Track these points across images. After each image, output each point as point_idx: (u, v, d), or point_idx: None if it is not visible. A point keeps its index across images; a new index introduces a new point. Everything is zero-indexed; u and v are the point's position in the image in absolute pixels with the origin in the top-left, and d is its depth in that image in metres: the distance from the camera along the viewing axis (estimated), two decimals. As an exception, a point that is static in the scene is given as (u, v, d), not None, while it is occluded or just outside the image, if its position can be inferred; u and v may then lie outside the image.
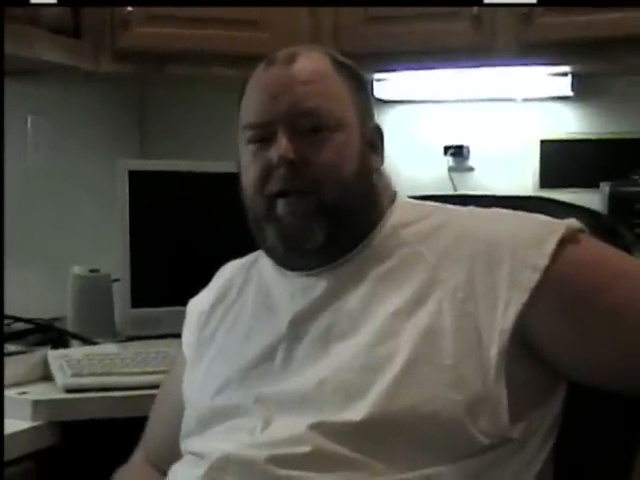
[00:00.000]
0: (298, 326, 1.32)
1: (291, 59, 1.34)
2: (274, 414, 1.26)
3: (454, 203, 1.40)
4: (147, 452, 1.53)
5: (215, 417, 1.34)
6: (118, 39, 2.39)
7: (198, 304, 1.50)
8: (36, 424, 1.75)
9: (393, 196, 1.40)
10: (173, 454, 1.40)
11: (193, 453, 1.33)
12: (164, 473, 1.41)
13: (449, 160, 2.79)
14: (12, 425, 1.71)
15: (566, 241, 1.25)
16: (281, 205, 1.31)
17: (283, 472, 1.21)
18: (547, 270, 1.23)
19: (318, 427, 1.22)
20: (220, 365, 1.38)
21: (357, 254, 1.34)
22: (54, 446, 1.77)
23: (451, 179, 2.79)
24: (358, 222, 1.34)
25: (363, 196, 1.34)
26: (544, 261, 1.23)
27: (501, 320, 1.22)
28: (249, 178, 1.34)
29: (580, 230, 1.28)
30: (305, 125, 1.31)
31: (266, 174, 1.32)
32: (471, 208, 1.39)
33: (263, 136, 1.33)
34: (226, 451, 1.26)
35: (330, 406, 1.23)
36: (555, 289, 1.23)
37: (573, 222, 1.28)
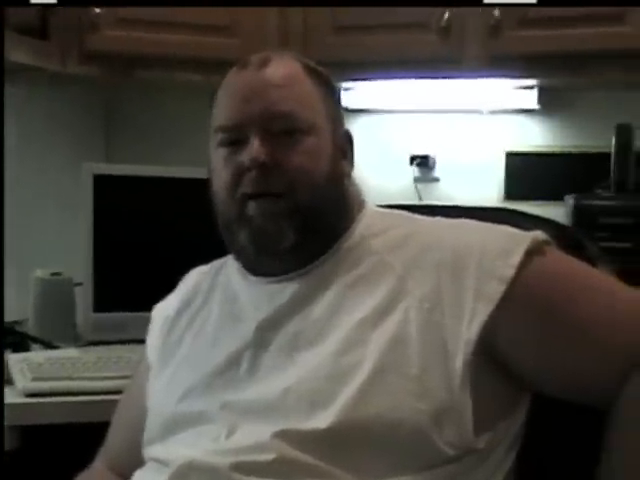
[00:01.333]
0: (264, 333, 1.31)
1: (264, 63, 1.34)
2: (239, 421, 1.26)
3: (421, 213, 1.41)
4: (108, 457, 1.52)
5: (179, 424, 1.33)
6: (86, 41, 2.39)
7: (163, 310, 1.50)
8: (-4, 427, 1.73)
9: (362, 204, 1.41)
10: (134, 460, 1.39)
11: (156, 460, 1.32)
12: (125, 479, 1.40)
13: (415, 170, 2.81)
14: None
15: (532, 253, 1.25)
16: (252, 207, 1.31)
17: (246, 479, 1.21)
18: (513, 281, 1.23)
19: (283, 435, 1.21)
20: (185, 371, 1.37)
21: (325, 261, 1.34)
22: (14, 450, 1.75)
23: (417, 189, 2.80)
24: (329, 226, 1.34)
25: (334, 200, 1.34)
26: (510, 272, 1.23)
27: (467, 331, 1.22)
28: (221, 181, 1.34)
29: (546, 242, 1.29)
30: (278, 128, 1.31)
31: (238, 177, 1.32)
32: (438, 218, 1.39)
33: (235, 139, 1.33)
34: (189, 457, 1.25)
35: (295, 414, 1.23)
36: (520, 300, 1.23)
37: (539, 234, 1.29)
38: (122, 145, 2.95)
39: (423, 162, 2.79)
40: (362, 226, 1.37)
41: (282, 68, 1.35)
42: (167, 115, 2.90)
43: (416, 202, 2.72)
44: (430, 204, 1.64)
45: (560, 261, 1.29)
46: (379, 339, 1.23)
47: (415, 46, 2.40)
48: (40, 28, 2.35)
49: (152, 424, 1.38)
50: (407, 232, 1.34)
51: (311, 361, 1.26)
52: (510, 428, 1.27)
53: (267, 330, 1.32)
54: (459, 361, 1.21)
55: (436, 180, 2.81)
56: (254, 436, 1.23)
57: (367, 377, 1.21)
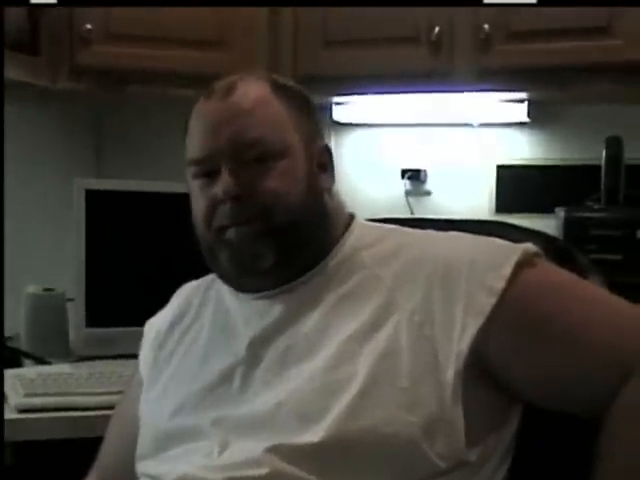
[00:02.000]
0: (255, 350, 1.32)
1: (229, 90, 1.33)
2: (231, 437, 1.26)
3: (412, 226, 1.41)
4: (101, 472, 1.53)
5: (171, 439, 1.33)
6: (76, 57, 2.40)
7: (155, 324, 1.50)
8: (-10, 444, 1.74)
9: (349, 218, 1.41)
10: (127, 475, 1.40)
11: (148, 476, 1.33)
12: None
13: (406, 183, 2.82)
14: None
15: (523, 265, 1.26)
16: (231, 233, 1.32)
17: None
18: (503, 293, 1.23)
19: (275, 450, 1.22)
20: (177, 387, 1.38)
21: (314, 276, 1.35)
22: (7, 466, 1.75)
23: (408, 202, 2.82)
24: (311, 242, 1.34)
25: (314, 217, 1.34)
26: (500, 284, 1.24)
27: (457, 343, 1.22)
28: (198, 212, 1.35)
29: (536, 254, 1.30)
30: (249, 156, 1.31)
31: (212, 209, 1.32)
32: (429, 231, 1.40)
33: (207, 171, 1.33)
34: (182, 473, 1.25)
35: (287, 429, 1.23)
36: (511, 312, 1.24)
37: (530, 246, 1.29)
38: (113, 160, 2.96)
39: (414, 175, 2.81)
40: (352, 239, 1.37)
41: (248, 93, 1.33)
42: (158, 130, 2.90)
43: (407, 215, 2.74)
44: (421, 217, 1.65)
45: (550, 273, 1.30)
46: (370, 353, 1.24)
47: (406, 60, 2.42)
48: (30, 44, 2.36)
49: (144, 439, 1.39)
50: (397, 245, 1.35)
51: (302, 376, 1.26)
52: (501, 440, 1.28)
53: (258, 346, 1.32)
54: (450, 373, 1.21)
55: (427, 193, 2.82)
56: (246, 452, 1.23)
57: (358, 391, 1.22)
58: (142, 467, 1.36)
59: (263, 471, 1.21)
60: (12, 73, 2.27)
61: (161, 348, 1.46)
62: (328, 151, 1.41)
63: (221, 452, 1.25)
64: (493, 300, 1.23)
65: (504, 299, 1.23)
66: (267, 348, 1.31)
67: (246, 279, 1.36)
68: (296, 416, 1.23)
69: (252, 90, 1.34)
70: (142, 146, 2.94)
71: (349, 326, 1.27)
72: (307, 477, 1.20)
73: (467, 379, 1.22)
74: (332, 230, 1.37)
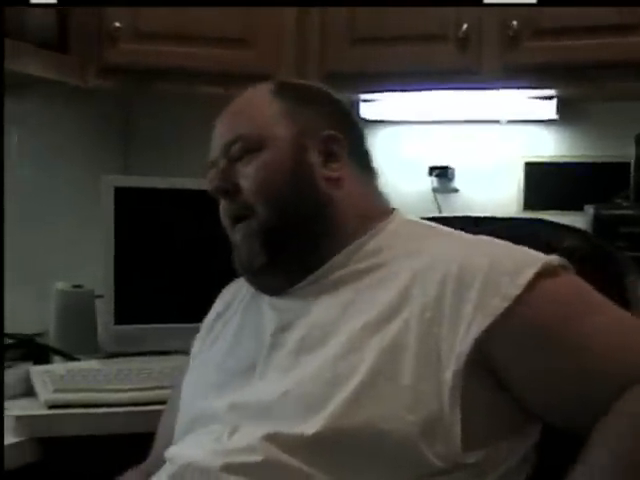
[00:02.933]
0: (276, 340, 1.35)
1: (236, 96, 1.43)
2: (241, 423, 1.29)
3: (456, 224, 1.42)
4: (150, 461, 1.55)
5: (195, 423, 1.37)
6: (105, 55, 2.42)
7: (209, 315, 1.55)
8: (18, 440, 1.75)
9: (384, 212, 1.42)
10: None
11: (168, 459, 1.35)
12: None
13: (434, 181, 2.82)
14: (-4, 440, 1.73)
15: (543, 275, 1.25)
16: (233, 232, 1.39)
17: (234, 479, 1.23)
18: (517, 300, 1.22)
19: (272, 438, 1.24)
20: (207, 374, 1.42)
21: (333, 267, 1.36)
22: (36, 462, 1.77)
23: (436, 199, 2.82)
24: (307, 236, 1.36)
25: (307, 208, 1.36)
26: (515, 291, 1.23)
27: (460, 344, 1.22)
28: None
29: (563, 266, 1.28)
30: (235, 154, 1.37)
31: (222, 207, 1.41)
32: (458, 233, 1.40)
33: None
34: (189, 459, 1.29)
35: (289, 418, 1.25)
36: (521, 319, 1.23)
37: (555, 258, 1.28)
38: (141, 158, 2.98)
39: (442, 173, 2.81)
40: (381, 234, 1.38)
41: (244, 97, 1.43)
42: (185, 127, 2.91)
43: (435, 213, 2.74)
44: (465, 215, 1.64)
45: (571, 285, 1.28)
46: (377, 345, 1.25)
47: (433, 57, 2.42)
48: (59, 42, 2.38)
49: (179, 424, 1.42)
50: (421, 244, 1.35)
51: (311, 365, 1.28)
52: (515, 450, 1.27)
53: (278, 337, 1.35)
54: (449, 373, 1.21)
55: (455, 191, 2.82)
56: (247, 438, 1.26)
57: (359, 384, 1.22)
58: (167, 451, 1.38)
59: (258, 458, 1.23)
60: (41, 71, 2.29)
61: (205, 338, 1.51)
62: (336, 139, 1.40)
63: (229, 437, 1.28)
64: (505, 304, 1.22)
65: (516, 305, 1.22)
66: (286, 338, 1.34)
67: (250, 278, 1.41)
68: (299, 406, 1.25)
69: (248, 94, 1.43)
70: (169, 143, 2.95)
71: (362, 317, 1.29)
72: (301, 467, 1.22)
73: (467, 379, 1.21)
74: (342, 221, 1.37)
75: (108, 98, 2.80)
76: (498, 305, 1.22)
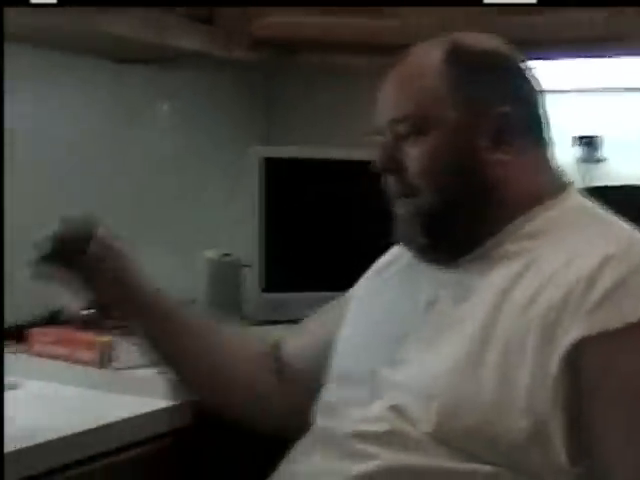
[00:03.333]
0: (427, 313, 1.35)
1: (399, 60, 1.37)
2: (378, 392, 1.31)
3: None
4: (287, 349, 1.59)
5: (340, 380, 1.40)
6: (251, 26, 2.44)
7: (375, 266, 1.55)
8: (172, 403, 1.78)
9: (558, 189, 1.38)
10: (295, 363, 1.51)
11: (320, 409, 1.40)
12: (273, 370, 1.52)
13: (579, 150, 2.77)
14: (149, 404, 1.76)
15: None
16: (396, 205, 1.38)
17: (360, 447, 1.25)
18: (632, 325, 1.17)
19: (399, 409, 1.25)
20: (361, 333, 1.43)
21: (494, 245, 1.34)
22: (185, 427, 1.80)
23: (579, 170, 2.76)
24: (469, 222, 1.34)
25: (471, 195, 1.34)
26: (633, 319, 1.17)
27: (560, 345, 1.20)
28: None
29: None
30: (401, 132, 1.33)
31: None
32: (611, 226, 1.34)
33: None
34: (322, 425, 1.33)
35: (421, 392, 1.26)
36: (630, 344, 1.18)
37: None
38: (283, 129, 3.00)
39: (588, 142, 2.75)
40: (539, 218, 1.35)
41: (411, 63, 1.36)
42: (329, 99, 2.92)
43: (580, 184, 2.69)
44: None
45: None
46: (501, 342, 1.24)
47: (581, 25, 2.37)
48: (206, 13, 2.42)
49: (331, 369, 1.44)
50: (572, 234, 1.31)
51: (451, 346, 1.28)
52: None
53: (429, 310, 1.35)
54: (552, 378, 1.19)
55: (601, 161, 2.76)
56: (380, 407, 1.28)
57: (485, 376, 1.22)
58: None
59: (385, 428, 1.24)
60: (188, 42, 2.33)
61: (368, 288, 1.51)
62: (510, 118, 1.35)
63: (365, 405, 1.30)
64: (621, 323, 1.17)
65: (634, 328, 1.17)
66: (435, 313, 1.34)
67: (409, 250, 1.40)
68: (427, 386, 1.26)
69: (416, 60, 1.36)
70: (313, 115, 2.97)
71: (497, 307, 1.27)
72: (425, 440, 1.23)
73: (570, 386, 1.19)
74: (507, 204, 1.34)
75: (253, 70, 2.82)
76: (615, 320, 1.18)
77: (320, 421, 1.37)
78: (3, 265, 1.04)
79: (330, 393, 1.41)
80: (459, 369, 1.24)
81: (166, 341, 1.57)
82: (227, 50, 2.44)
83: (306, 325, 1.61)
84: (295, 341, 1.60)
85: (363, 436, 1.26)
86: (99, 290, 1.51)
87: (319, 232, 2.25)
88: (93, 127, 2.42)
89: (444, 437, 1.22)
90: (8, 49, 2.13)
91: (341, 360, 1.43)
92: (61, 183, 2.31)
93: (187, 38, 2.31)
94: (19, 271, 2.00)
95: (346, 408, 1.32)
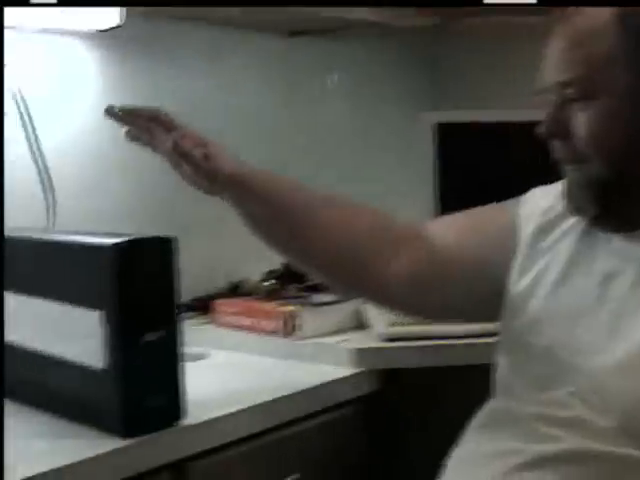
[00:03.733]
0: (605, 289, 1.29)
1: (567, 17, 1.28)
2: (557, 372, 1.26)
3: None
4: (430, 231, 1.50)
5: (515, 354, 1.35)
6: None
7: (540, 203, 1.45)
8: (357, 371, 1.81)
9: None
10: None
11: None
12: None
13: None
14: (333, 372, 1.79)
15: None
16: (565, 171, 1.31)
17: (545, 429, 1.22)
18: None
19: (582, 397, 1.22)
20: (532, 301, 1.36)
21: None
22: (373, 392, 1.82)
23: None
24: None
25: None
26: None
27: None
28: None
29: None
30: (568, 96, 1.26)
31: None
32: None
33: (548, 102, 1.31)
34: (503, 403, 1.29)
35: (603, 383, 1.22)
36: None
37: None
38: (451, 94, 2.96)
39: None
40: None
41: (582, 22, 1.26)
42: (495, 61, 2.87)
43: None
44: None
45: None
46: None
47: None
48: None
49: (504, 344, 1.40)
50: None
51: (632, 331, 1.23)
52: None
53: (608, 285, 1.29)
54: None
55: None
56: (560, 391, 1.24)
57: None
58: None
59: (567, 414, 1.21)
60: (356, 12, 2.33)
61: (537, 237, 1.40)
62: None
63: (543, 386, 1.26)
64: None
65: None
66: (614, 289, 1.28)
67: (584, 220, 1.34)
68: (608, 375, 1.22)
69: (586, 21, 1.27)
70: (478, 79, 2.92)
71: None
72: (608, 428, 1.19)
73: None
74: None
75: (419, 35, 2.80)
76: None
77: (499, 401, 1.34)
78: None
79: (506, 370, 1.37)
80: None
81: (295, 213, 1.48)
82: (394, 18, 2.43)
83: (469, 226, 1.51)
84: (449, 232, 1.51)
85: (547, 419, 1.23)
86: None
87: (493, 197, 2.21)
88: (265, 100, 2.45)
89: (631, 430, 1.18)
90: (183, 28, 2.19)
91: (517, 329, 1.38)
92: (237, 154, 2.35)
93: (357, 8, 2.31)
94: (200, 247, 2.06)
95: (526, 389, 1.29)
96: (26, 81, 1.90)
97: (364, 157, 2.70)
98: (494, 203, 1.52)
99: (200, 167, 1.42)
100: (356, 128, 2.68)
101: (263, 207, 1.46)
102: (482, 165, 2.22)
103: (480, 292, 1.44)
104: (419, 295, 1.47)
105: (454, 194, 2.22)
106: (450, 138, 2.20)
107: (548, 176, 1.37)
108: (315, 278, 1.69)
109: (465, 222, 1.51)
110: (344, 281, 1.52)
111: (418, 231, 1.50)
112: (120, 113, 1.45)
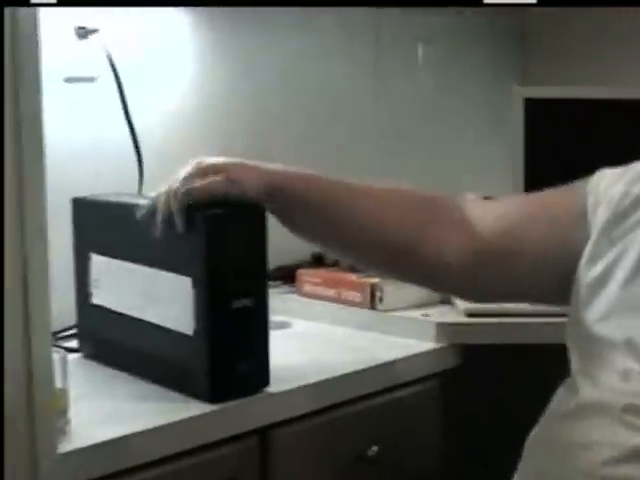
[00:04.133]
0: None
1: None
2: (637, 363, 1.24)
3: None
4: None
5: (595, 347, 1.30)
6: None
7: (612, 188, 1.40)
8: (439, 345, 1.81)
9: None
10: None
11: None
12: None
13: None
14: (417, 346, 1.79)
15: None
16: None
17: (637, 420, 1.19)
18: None
19: None
20: (610, 287, 1.32)
21: None
22: (456, 367, 1.82)
23: None
24: None
25: None
26: None
27: None
28: None
29: None
30: None
31: None
32: None
33: None
34: (590, 395, 1.26)
35: None
36: None
37: None
38: (540, 68, 2.93)
39: None
40: None
41: None
42: (582, 36, 2.83)
43: None
44: None
45: None
46: None
47: None
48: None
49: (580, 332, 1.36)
50: None
51: None
52: None
53: None
54: None
55: None
56: None
57: None
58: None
59: None
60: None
61: (611, 224, 1.36)
62: None
63: (627, 377, 1.24)
64: None
65: None
66: None
67: None
68: None
69: None
70: (566, 53, 2.88)
71: None
72: None
73: None
74: None
75: (505, 10, 2.77)
76: None
77: (584, 389, 1.31)
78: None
79: (583, 359, 1.35)
80: None
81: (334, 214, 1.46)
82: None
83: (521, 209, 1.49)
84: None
85: (637, 410, 1.22)
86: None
87: (581, 176, 2.18)
88: (353, 71, 2.45)
89: None
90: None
91: (589, 319, 1.35)
92: (317, 128, 2.37)
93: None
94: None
95: (609, 379, 1.27)
96: (118, 47, 1.91)
97: (448, 133, 2.68)
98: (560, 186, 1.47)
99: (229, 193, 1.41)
100: (441, 102, 2.66)
101: (299, 213, 1.46)
102: (572, 144, 2.18)
103: (546, 278, 1.42)
104: (476, 281, 1.46)
105: (541, 175, 2.18)
106: (538, 114, 2.16)
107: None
108: (367, 270, 1.70)
109: (529, 204, 1.49)
110: (397, 272, 1.53)
111: (474, 213, 1.48)
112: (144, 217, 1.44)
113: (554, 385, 1.39)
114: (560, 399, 1.34)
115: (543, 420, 1.34)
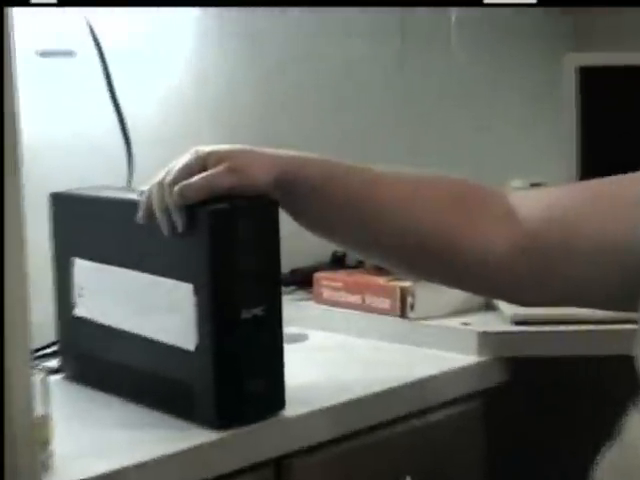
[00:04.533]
0: None
1: None
2: None
3: None
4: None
5: None
6: None
7: None
8: (482, 359, 1.80)
9: None
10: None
11: None
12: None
13: None
14: (455, 360, 1.79)
15: None
16: None
17: None
18: None
19: None
20: None
21: None
22: (502, 383, 1.81)
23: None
24: None
25: None
26: None
27: None
28: None
29: None
30: None
31: None
32: None
33: None
34: None
35: None
36: None
37: None
38: (595, 35, 2.93)
39: None
40: None
41: None
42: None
43: None
44: None
45: None
46: None
47: None
48: None
49: None
50: None
51: None
52: None
53: None
54: None
55: None
56: None
57: None
58: None
59: None
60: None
61: None
62: None
63: None
64: None
65: None
66: None
67: None
68: None
69: None
70: (619, 20, 2.88)
71: None
72: None
73: None
74: None
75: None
76: None
77: None
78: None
79: None
80: None
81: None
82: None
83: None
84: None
85: None
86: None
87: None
88: (377, 48, 2.46)
89: None
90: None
91: None
92: (332, 112, 2.39)
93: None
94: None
95: None
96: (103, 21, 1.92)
97: (487, 112, 2.69)
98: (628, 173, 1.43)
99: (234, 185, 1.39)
100: (478, 77, 2.66)
101: (316, 207, 1.43)
102: (636, 121, 2.17)
103: (609, 278, 1.40)
104: (526, 281, 1.43)
105: (599, 158, 2.18)
106: (595, 84, 2.15)
107: None
108: (397, 272, 1.70)
109: (585, 191, 1.47)
110: (434, 272, 1.49)
111: (522, 203, 1.45)
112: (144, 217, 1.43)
113: (619, 404, 1.39)
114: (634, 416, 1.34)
115: (617, 447, 1.34)
